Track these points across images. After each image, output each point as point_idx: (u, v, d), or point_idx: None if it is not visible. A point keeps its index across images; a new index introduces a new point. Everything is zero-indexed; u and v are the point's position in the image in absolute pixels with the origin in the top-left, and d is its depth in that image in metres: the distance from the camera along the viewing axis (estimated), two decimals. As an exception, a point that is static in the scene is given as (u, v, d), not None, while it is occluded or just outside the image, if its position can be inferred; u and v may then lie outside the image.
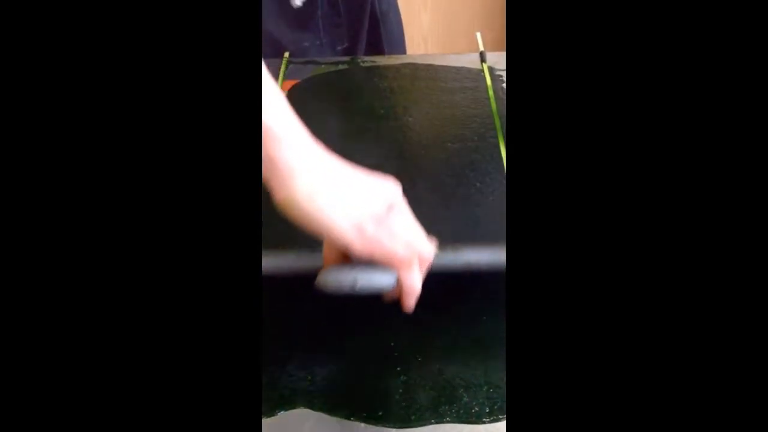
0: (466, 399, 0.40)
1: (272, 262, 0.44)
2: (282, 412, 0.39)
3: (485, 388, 0.40)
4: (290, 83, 0.69)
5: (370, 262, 0.40)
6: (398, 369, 0.41)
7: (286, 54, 0.73)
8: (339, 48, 0.81)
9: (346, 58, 0.75)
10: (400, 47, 0.89)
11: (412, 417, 0.39)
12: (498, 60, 0.72)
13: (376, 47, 0.84)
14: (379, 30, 0.83)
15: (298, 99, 0.67)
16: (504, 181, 0.55)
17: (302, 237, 0.40)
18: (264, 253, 0.38)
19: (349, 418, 0.39)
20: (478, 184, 0.56)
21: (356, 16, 0.81)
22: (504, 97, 0.66)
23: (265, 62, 0.67)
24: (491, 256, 0.44)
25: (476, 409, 0.39)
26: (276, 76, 0.69)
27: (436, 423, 0.39)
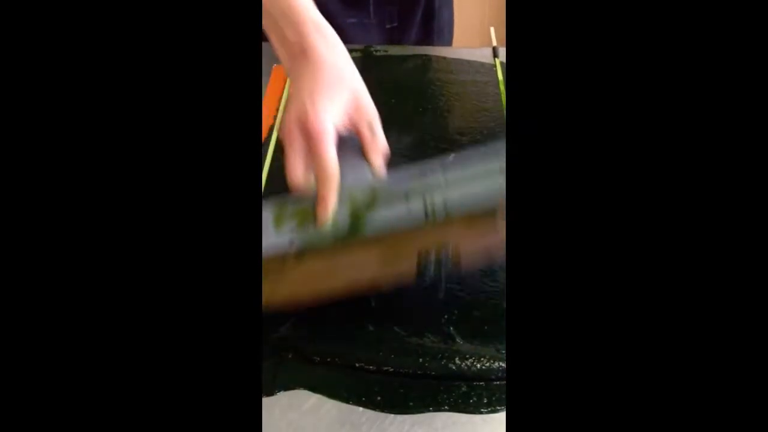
0: (464, 389, 0.40)
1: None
2: (282, 392, 0.40)
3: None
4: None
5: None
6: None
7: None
8: (388, 26, 0.79)
9: (360, 47, 0.75)
10: (448, 40, 0.87)
11: (410, 404, 0.39)
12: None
13: (427, 37, 0.83)
14: (433, 21, 0.82)
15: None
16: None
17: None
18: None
19: (347, 402, 0.39)
20: None
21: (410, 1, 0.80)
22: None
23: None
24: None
25: (474, 399, 0.39)
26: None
27: (434, 411, 0.39)
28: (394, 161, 0.44)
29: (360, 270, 0.40)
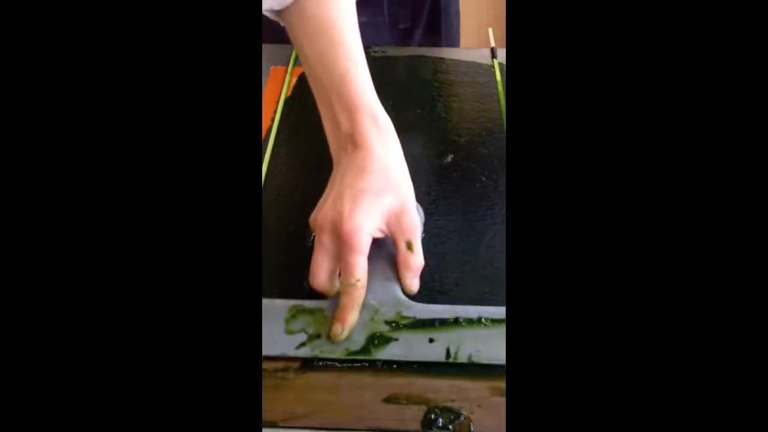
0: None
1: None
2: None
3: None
4: (300, 69, 0.69)
5: None
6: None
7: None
8: (401, 26, 0.77)
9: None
10: (455, 40, 0.86)
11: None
12: (509, 56, 0.72)
13: (434, 36, 0.81)
14: (440, 20, 0.80)
15: (307, 86, 0.67)
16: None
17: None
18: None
19: None
20: (483, 178, 0.56)
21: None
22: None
23: (278, 49, 0.66)
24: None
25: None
26: (287, 63, 0.69)
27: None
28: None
29: (363, 400, 0.36)
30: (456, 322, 0.38)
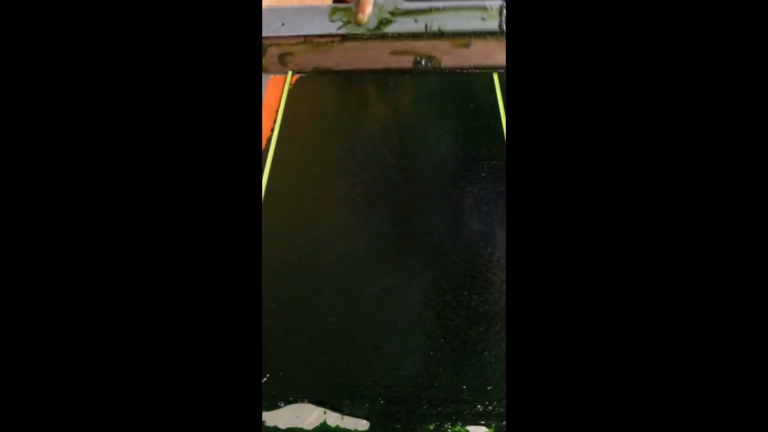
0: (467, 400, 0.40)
1: None
2: (285, 405, 0.40)
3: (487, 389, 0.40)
4: (296, 76, 0.69)
5: None
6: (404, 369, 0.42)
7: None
8: None
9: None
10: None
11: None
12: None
13: None
14: None
15: (304, 90, 0.67)
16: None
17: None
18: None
19: (352, 415, 0.39)
20: (483, 174, 0.57)
21: None
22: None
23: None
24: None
25: (480, 408, 0.39)
26: (285, 72, 0.69)
27: (441, 424, 0.39)
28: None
29: (378, 55, 0.65)
30: (431, 9, 0.63)
